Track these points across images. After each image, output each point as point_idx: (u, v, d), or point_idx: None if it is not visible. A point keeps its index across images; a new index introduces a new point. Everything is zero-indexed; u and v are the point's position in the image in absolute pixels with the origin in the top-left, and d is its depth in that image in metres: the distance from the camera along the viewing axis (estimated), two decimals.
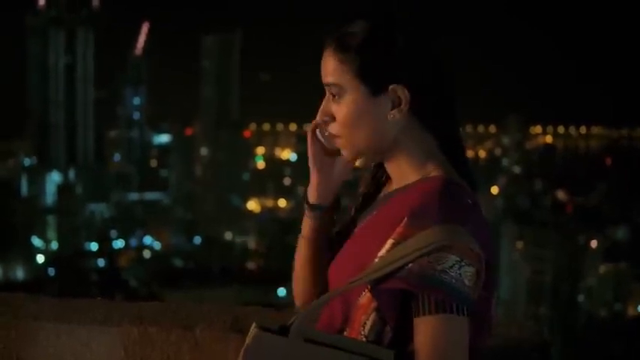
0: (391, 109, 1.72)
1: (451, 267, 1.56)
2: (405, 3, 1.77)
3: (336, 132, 1.79)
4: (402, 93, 1.71)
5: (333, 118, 1.78)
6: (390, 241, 1.64)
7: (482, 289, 1.61)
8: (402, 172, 1.78)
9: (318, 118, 1.83)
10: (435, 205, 1.62)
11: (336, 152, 1.86)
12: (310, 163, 1.91)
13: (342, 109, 1.75)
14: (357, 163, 1.88)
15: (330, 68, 1.75)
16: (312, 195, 1.92)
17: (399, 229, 1.64)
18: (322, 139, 1.88)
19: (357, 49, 1.72)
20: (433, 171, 1.74)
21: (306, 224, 1.94)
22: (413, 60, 1.72)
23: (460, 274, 1.56)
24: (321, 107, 1.81)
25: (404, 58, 1.71)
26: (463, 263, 1.57)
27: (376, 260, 1.64)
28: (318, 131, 1.88)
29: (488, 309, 1.68)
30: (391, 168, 1.81)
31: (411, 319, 1.60)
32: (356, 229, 1.84)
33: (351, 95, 1.73)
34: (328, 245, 1.93)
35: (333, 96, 1.76)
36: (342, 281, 1.68)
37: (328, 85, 1.76)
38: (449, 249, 1.57)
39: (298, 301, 2.01)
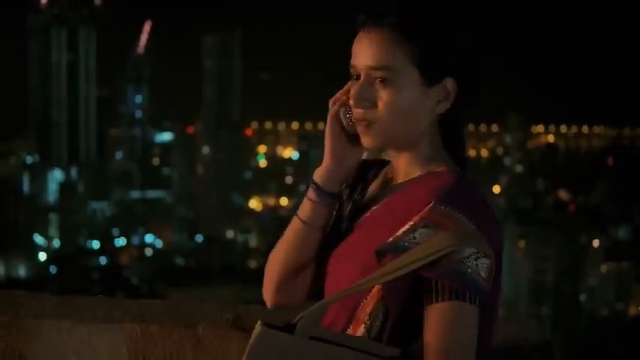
0: (438, 102, 1.72)
1: (468, 257, 1.57)
2: (407, 3, 1.73)
3: (375, 117, 1.73)
4: (453, 87, 1.71)
5: (374, 104, 1.73)
6: (409, 224, 1.63)
7: (493, 280, 1.63)
8: (410, 166, 1.78)
9: (351, 101, 1.76)
10: (458, 195, 1.64)
11: (355, 138, 1.82)
12: (326, 145, 1.86)
13: (392, 95, 1.70)
14: (368, 153, 1.87)
15: (385, 51, 1.70)
16: (321, 178, 1.86)
17: (423, 214, 1.63)
18: (345, 123, 1.83)
19: (419, 35, 1.69)
20: (439, 167, 1.75)
21: (309, 208, 1.87)
22: (466, 56, 1.74)
23: (477, 265, 1.58)
24: (356, 91, 1.74)
25: (460, 52, 1.73)
26: (479, 255, 1.58)
27: (390, 240, 1.64)
28: (341, 114, 1.83)
29: (497, 300, 1.70)
30: (400, 160, 1.80)
31: (413, 315, 1.62)
32: (359, 221, 1.82)
33: (404, 82, 1.70)
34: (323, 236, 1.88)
35: (381, 80, 1.71)
36: (351, 272, 1.70)
37: (378, 68, 1.71)
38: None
39: (270, 287, 1.93)
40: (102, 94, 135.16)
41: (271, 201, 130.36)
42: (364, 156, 1.89)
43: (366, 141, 1.76)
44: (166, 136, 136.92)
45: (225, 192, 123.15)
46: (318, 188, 1.86)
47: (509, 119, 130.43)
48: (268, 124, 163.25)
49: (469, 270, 1.57)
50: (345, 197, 1.90)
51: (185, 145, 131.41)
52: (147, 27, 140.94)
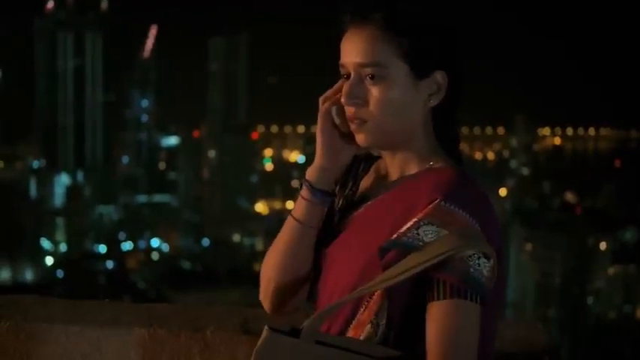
0: (429, 95, 1.72)
1: (470, 256, 1.57)
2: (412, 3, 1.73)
3: (366, 115, 1.72)
4: (443, 80, 1.71)
5: (365, 101, 1.72)
6: (413, 220, 1.62)
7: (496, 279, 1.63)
8: (406, 163, 1.77)
9: (342, 100, 1.74)
10: (461, 193, 1.64)
11: (348, 136, 1.80)
12: (318, 144, 1.83)
13: (383, 91, 1.70)
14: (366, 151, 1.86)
15: (373, 47, 1.69)
16: (314, 177, 1.84)
17: (427, 211, 1.62)
18: (337, 121, 1.81)
19: (407, 30, 1.69)
20: (437, 163, 1.74)
21: (304, 207, 1.85)
22: (455, 49, 1.74)
23: (479, 264, 1.58)
24: (347, 88, 1.73)
25: (449, 44, 1.72)
26: (481, 254, 1.58)
27: (394, 237, 1.63)
28: (333, 112, 1.81)
29: (500, 299, 1.69)
30: (395, 157, 1.79)
31: (419, 315, 1.60)
32: (352, 217, 1.81)
33: (395, 77, 1.69)
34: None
35: (371, 77, 1.70)
36: (349, 271, 1.69)
37: (367, 64, 1.70)
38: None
39: (268, 291, 1.90)
40: (108, 98, 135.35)
41: (277, 204, 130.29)
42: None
43: (360, 139, 1.75)
44: (172, 140, 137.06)
45: (231, 196, 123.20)
46: (311, 187, 1.84)
47: (515, 122, 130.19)
48: (274, 128, 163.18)
49: (471, 269, 1.57)
50: (336, 192, 1.90)
51: (191, 149, 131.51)
52: (153, 31, 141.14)
